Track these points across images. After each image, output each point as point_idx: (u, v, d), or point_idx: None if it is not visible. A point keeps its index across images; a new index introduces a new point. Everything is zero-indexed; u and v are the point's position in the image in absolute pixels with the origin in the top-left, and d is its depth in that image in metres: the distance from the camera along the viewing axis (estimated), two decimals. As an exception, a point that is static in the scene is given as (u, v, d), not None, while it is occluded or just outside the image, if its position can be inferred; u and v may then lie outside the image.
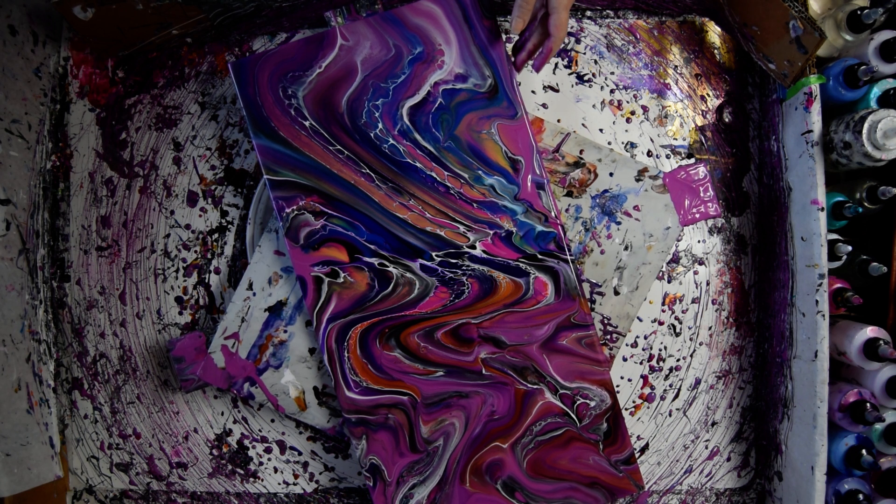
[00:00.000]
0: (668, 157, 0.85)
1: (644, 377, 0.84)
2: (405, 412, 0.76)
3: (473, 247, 0.77)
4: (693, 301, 0.84)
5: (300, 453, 0.84)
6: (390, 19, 0.76)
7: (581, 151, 0.82)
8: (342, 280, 0.77)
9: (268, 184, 0.76)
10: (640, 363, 0.84)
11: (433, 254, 0.77)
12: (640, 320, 0.84)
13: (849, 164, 0.73)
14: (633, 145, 0.84)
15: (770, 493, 0.82)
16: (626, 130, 0.84)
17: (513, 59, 0.76)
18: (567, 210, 0.82)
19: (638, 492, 0.78)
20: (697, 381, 0.84)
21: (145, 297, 0.85)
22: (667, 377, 0.84)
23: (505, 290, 0.77)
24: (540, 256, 0.77)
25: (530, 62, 0.75)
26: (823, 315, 0.72)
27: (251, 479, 0.84)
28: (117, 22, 0.77)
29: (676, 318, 0.84)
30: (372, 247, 0.77)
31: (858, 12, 0.72)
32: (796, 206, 0.76)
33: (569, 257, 0.77)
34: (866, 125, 0.69)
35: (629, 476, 0.77)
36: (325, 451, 0.84)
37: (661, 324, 0.84)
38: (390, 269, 0.77)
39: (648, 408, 0.84)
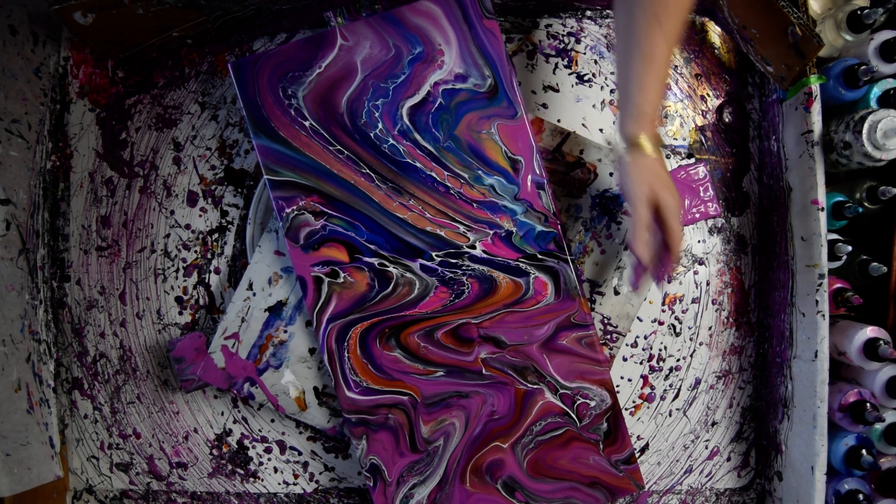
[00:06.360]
0: (668, 157, 0.85)
1: (644, 377, 0.84)
2: (405, 412, 0.76)
3: (473, 247, 0.77)
4: (693, 301, 0.84)
5: (300, 453, 0.84)
6: (390, 19, 0.76)
7: (581, 151, 0.82)
8: (342, 280, 0.77)
9: (268, 184, 0.76)
10: (640, 363, 0.84)
11: (433, 254, 0.77)
12: (640, 320, 0.84)
13: (849, 164, 0.73)
14: (633, 145, 0.84)
15: (770, 493, 0.82)
16: (626, 130, 0.84)
17: (632, 281, 0.70)
18: (567, 210, 0.82)
19: (638, 492, 0.78)
20: (697, 381, 0.84)
21: (145, 297, 0.85)
22: (667, 377, 0.84)
23: (505, 290, 0.77)
24: (540, 256, 0.77)
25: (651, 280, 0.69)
26: (823, 315, 0.72)
27: (251, 479, 0.84)
28: (117, 26, 0.77)
29: (676, 318, 0.84)
30: (372, 247, 0.77)
31: (858, 12, 0.72)
32: (796, 206, 0.76)
33: (569, 257, 0.77)
34: (866, 125, 0.69)
35: (629, 476, 0.77)
36: (325, 451, 0.84)
37: (661, 324, 0.84)
38: (390, 269, 0.77)
39: (648, 408, 0.84)
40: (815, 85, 0.72)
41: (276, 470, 0.84)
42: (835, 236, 0.76)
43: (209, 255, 0.85)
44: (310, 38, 0.77)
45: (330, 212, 0.76)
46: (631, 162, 0.63)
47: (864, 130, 0.69)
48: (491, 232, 0.77)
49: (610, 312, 0.82)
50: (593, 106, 0.84)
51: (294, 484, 0.84)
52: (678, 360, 0.84)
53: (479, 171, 0.77)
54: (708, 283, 0.84)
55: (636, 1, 0.60)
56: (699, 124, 0.85)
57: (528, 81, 0.84)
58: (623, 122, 0.64)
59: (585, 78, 0.85)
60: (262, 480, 0.84)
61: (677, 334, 0.84)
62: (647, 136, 0.62)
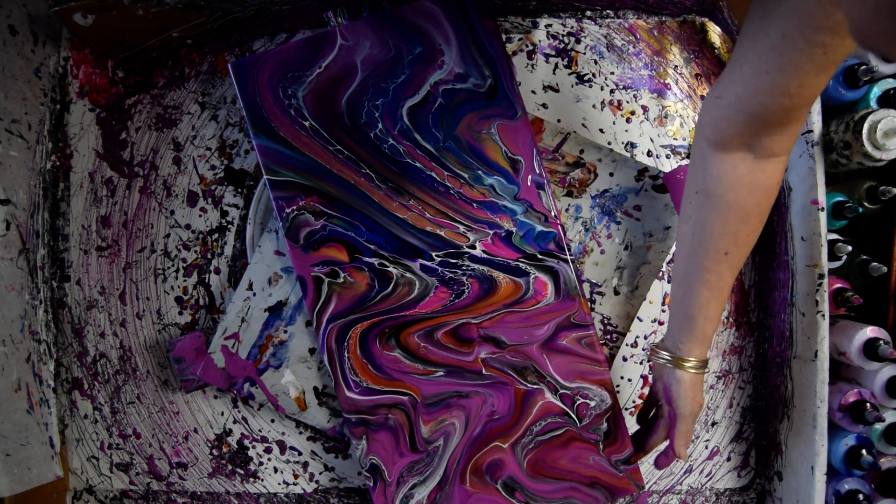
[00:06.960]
0: (668, 157, 0.85)
1: (644, 377, 0.84)
2: (405, 412, 0.76)
3: (473, 247, 0.77)
4: (693, 301, 0.84)
5: (300, 453, 0.84)
6: (390, 19, 0.76)
7: (581, 151, 0.82)
8: (342, 280, 0.77)
9: (268, 184, 0.76)
10: (640, 363, 0.84)
11: (433, 254, 0.77)
12: (640, 320, 0.84)
13: (849, 164, 0.73)
14: (633, 145, 0.84)
15: (770, 493, 0.82)
16: (626, 130, 0.84)
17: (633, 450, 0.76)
18: (567, 210, 0.82)
19: (638, 492, 0.78)
20: (697, 381, 0.84)
21: (145, 297, 0.85)
22: (667, 377, 0.84)
23: (505, 290, 0.77)
24: (540, 256, 0.77)
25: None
26: (823, 315, 0.72)
27: (251, 479, 0.84)
28: (118, 26, 0.77)
29: (676, 318, 0.84)
30: (372, 247, 0.77)
31: (858, 12, 0.72)
32: (796, 206, 0.76)
33: (569, 257, 0.77)
34: (866, 125, 0.69)
35: (629, 476, 0.77)
36: (325, 451, 0.84)
37: (661, 324, 0.84)
38: (390, 269, 0.77)
39: (648, 408, 0.84)
40: (815, 85, 0.72)
41: (276, 470, 0.84)
42: (835, 236, 0.76)
43: (209, 255, 0.85)
44: (310, 39, 0.77)
45: (330, 212, 0.76)
46: (682, 378, 0.65)
47: (864, 130, 0.69)
48: (491, 232, 0.77)
49: (610, 312, 0.82)
50: (593, 106, 0.84)
51: (294, 484, 0.84)
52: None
53: (479, 171, 0.77)
54: (708, 283, 0.84)
55: (705, 232, 0.60)
56: (699, 124, 0.85)
57: (528, 81, 0.84)
58: (679, 339, 0.65)
59: (585, 78, 0.85)
60: (262, 480, 0.84)
61: (677, 334, 0.84)
62: (698, 358, 0.65)
